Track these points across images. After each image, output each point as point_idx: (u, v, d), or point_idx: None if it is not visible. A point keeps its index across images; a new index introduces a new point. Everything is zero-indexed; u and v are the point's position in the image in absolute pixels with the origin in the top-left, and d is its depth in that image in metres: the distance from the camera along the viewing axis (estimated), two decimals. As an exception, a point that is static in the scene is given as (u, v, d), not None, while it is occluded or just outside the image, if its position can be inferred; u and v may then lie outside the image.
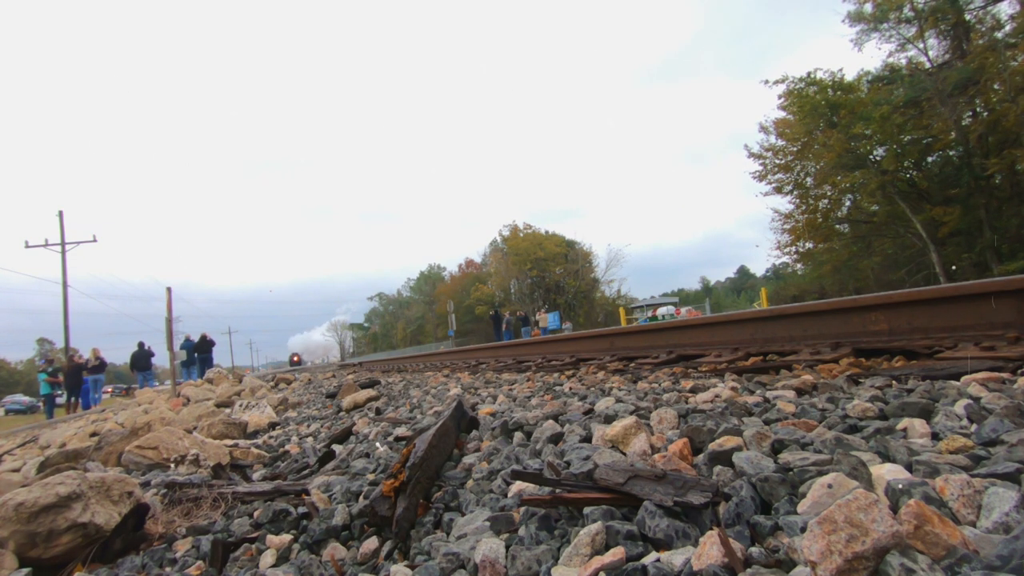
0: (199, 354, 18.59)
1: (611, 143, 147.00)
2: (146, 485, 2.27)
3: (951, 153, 21.60)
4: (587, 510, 1.10)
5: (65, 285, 23.04)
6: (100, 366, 16.77)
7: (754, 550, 0.85)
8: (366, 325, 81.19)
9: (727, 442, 1.27)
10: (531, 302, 40.96)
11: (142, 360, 17.35)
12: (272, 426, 4.28)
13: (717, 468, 1.16)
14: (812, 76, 23.71)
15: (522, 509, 1.21)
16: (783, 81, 24.30)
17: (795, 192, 26.17)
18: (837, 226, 25.38)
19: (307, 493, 1.79)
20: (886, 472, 0.95)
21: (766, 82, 24.82)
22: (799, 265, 30.07)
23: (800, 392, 1.85)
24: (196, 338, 18.87)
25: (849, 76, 23.63)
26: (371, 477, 1.84)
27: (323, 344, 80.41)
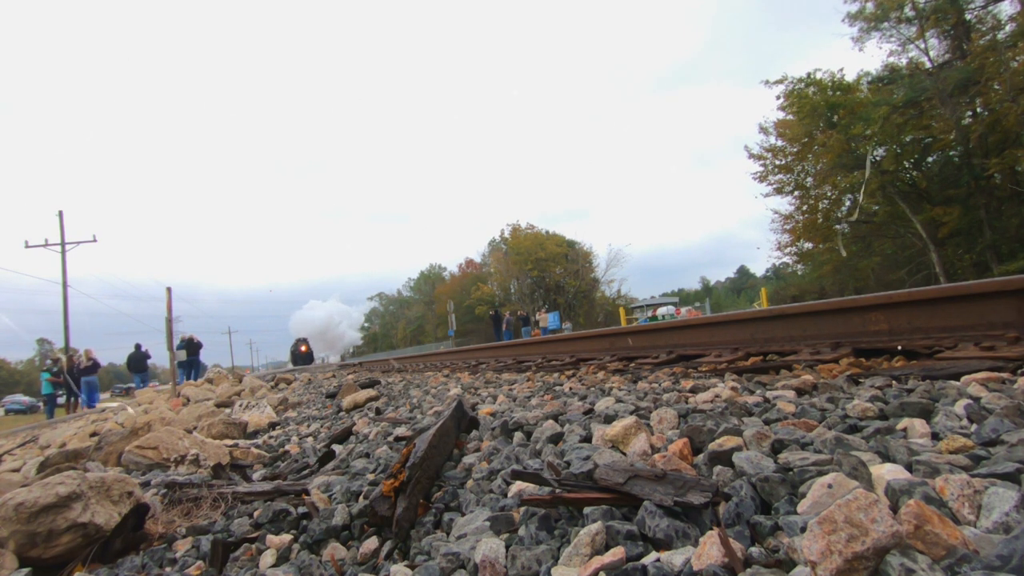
0: (187, 356, 18.45)
1: (618, 147, 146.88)
2: (146, 485, 2.27)
3: (951, 153, 21.61)
4: (587, 510, 1.10)
5: (65, 285, 23.04)
6: (93, 367, 16.47)
7: (754, 550, 0.85)
8: (366, 325, 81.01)
9: (727, 442, 1.27)
10: (531, 302, 40.95)
11: (139, 362, 17.30)
12: (272, 426, 4.28)
13: (717, 468, 1.16)
14: (811, 77, 23.75)
15: (522, 509, 1.21)
16: (783, 82, 24.35)
17: (795, 193, 26.21)
18: (837, 226, 25.39)
19: (307, 493, 1.79)
20: (886, 472, 0.95)
21: (766, 82, 24.92)
22: (799, 265, 30.13)
23: (800, 392, 1.84)
24: (187, 339, 18.68)
25: (849, 77, 23.69)
26: (371, 477, 1.84)
27: (340, 329, 60.42)
